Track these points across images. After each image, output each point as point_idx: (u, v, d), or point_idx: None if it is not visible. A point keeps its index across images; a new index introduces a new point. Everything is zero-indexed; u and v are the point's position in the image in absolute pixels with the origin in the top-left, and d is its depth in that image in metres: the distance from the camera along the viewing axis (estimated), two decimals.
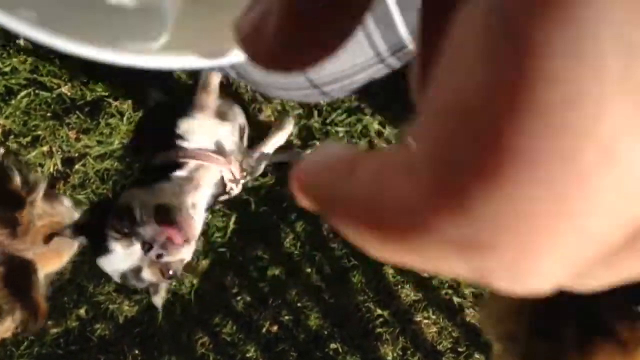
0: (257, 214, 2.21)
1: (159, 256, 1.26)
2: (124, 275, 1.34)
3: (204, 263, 2.24)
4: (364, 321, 2.21)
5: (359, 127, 2.09)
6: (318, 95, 0.84)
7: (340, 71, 0.80)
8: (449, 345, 2.17)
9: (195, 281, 2.24)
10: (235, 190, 1.59)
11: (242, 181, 1.61)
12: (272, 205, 2.20)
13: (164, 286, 1.50)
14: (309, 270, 2.22)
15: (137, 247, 1.26)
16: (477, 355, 2.13)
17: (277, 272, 2.23)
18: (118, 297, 2.30)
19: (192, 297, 2.24)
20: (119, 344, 2.33)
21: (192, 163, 1.42)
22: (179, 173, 1.39)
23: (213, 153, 1.46)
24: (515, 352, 0.77)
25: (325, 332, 2.25)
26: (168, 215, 1.27)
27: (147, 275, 1.34)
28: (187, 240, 1.31)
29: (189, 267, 2.22)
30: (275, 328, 2.27)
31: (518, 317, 0.76)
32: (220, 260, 2.23)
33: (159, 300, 1.53)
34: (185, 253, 1.37)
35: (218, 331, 2.28)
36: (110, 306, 2.30)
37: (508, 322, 0.78)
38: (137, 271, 1.32)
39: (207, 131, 1.49)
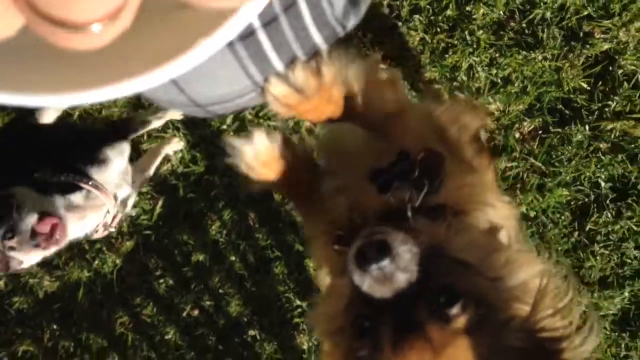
0: (185, 199, 2.25)
1: (11, 248, 1.31)
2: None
3: (128, 244, 2.27)
4: (283, 311, 2.28)
5: (291, 122, 2.14)
6: (203, 112, 0.89)
7: (219, 95, 0.85)
8: None
9: (118, 261, 2.27)
10: (100, 233, 1.65)
11: (111, 229, 1.69)
12: (200, 192, 2.24)
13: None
14: (233, 258, 2.28)
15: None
16: None
17: (201, 257, 2.28)
18: (39, 272, 2.31)
19: (114, 277, 2.27)
20: (37, 318, 2.34)
21: (90, 192, 1.48)
22: (74, 198, 1.46)
23: (110, 194, 1.54)
24: (343, 348, 0.85)
25: (245, 319, 2.32)
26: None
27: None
28: (58, 242, 1.36)
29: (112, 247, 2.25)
30: (196, 312, 2.33)
31: (345, 315, 0.84)
32: (145, 242, 2.27)
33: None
34: (37, 257, 1.41)
35: (138, 312, 2.32)
36: (31, 280, 2.31)
37: (337, 320, 0.86)
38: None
39: (118, 169, 1.57)
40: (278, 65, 0.82)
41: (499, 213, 1.00)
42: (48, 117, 1.90)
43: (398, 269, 0.77)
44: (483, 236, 0.92)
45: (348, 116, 0.93)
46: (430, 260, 0.80)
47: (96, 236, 1.62)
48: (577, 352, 0.79)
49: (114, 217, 1.63)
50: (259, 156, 0.95)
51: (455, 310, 0.77)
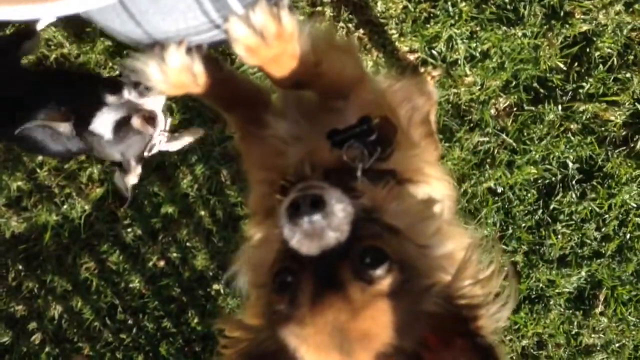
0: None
1: (142, 92, 1.52)
2: (117, 128, 1.53)
3: (98, 191, 2.29)
4: None
5: None
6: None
7: (175, 30, 0.87)
8: None
9: (87, 207, 2.30)
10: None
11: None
12: None
13: (136, 171, 1.65)
14: (202, 212, 2.31)
15: (127, 96, 1.52)
16: None
17: (170, 210, 2.31)
18: (7, 212, 2.33)
19: (82, 223, 2.30)
20: (2, 257, 2.38)
21: None
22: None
23: None
24: (264, 301, 0.88)
25: (210, 273, 2.37)
26: None
27: (136, 123, 1.55)
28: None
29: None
30: (162, 263, 2.37)
31: (269, 269, 0.86)
32: (115, 190, 2.28)
33: (133, 179, 1.66)
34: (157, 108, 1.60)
35: (104, 259, 2.36)
36: None
37: (261, 273, 0.89)
38: (127, 120, 1.53)
39: None
40: (234, 4, 0.84)
41: (439, 189, 1.04)
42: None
43: (329, 226, 0.78)
44: (419, 205, 0.96)
45: (308, 81, 0.95)
46: (362, 223, 0.81)
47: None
48: (492, 320, 0.81)
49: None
50: (169, 76, 0.93)
51: (379, 271, 0.79)
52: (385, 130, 0.96)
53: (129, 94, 1.53)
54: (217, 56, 0.97)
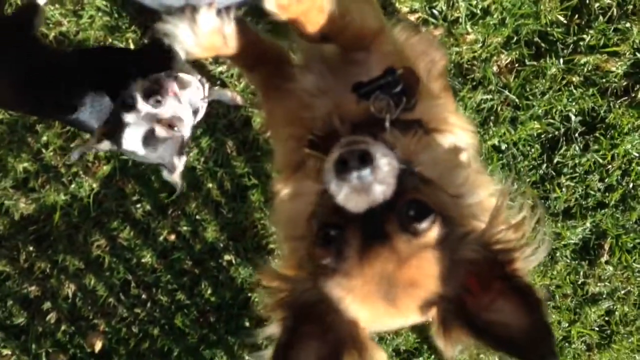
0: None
1: (157, 102, 1.55)
2: (146, 142, 1.59)
3: (105, 169, 2.30)
4: (258, 237, 2.37)
5: None
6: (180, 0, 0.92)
7: None
8: None
9: (95, 185, 2.31)
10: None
11: None
12: None
13: (180, 164, 1.71)
14: (210, 185, 2.33)
15: (144, 109, 1.55)
16: None
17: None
18: (15, 194, 2.34)
19: (91, 201, 2.31)
20: (13, 239, 2.39)
21: None
22: None
23: None
24: (301, 253, 0.90)
25: (221, 245, 2.40)
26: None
27: (161, 132, 1.60)
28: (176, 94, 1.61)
29: None
30: (172, 237, 2.40)
31: (309, 222, 0.89)
32: (122, 167, 2.30)
33: (179, 172, 1.73)
34: (177, 108, 1.63)
35: (115, 235, 2.38)
36: (6, 202, 2.35)
37: (299, 225, 0.91)
38: (152, 132, 1.58)
39: None
40: None
41: (463, 138, 1.06)
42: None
43: (377, 180, 0.78)
44: (447, 154, 0.99)
45: (333, 34, 0.97)
46: (404, 176, 0.83)
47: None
48: (527, 262, 0.85)
49: None
50: (200, 39, 0.96)
51: (425, 224, 0.81)
52: (409, 81, 0.98)
53: (144, 106, 1.55)
54: (243, 17, 0.98)
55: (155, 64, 1.61)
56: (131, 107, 1.53)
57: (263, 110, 1.16)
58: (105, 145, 1.62)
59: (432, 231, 0.82)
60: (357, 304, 0.83)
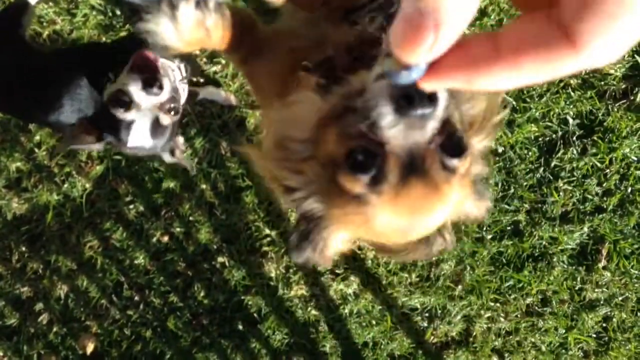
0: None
1: (160, 88, 1.49)
2: (153, 133, 1.55)
3: (98, 169, 2.29)
4: (252, 239, 2.35)
5: None
6: None
7: None
8: (329, 267, 2.34)
9: (87, 185, 2.29)
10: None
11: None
12: None
13: (180, 143, 1.69)
14: (203, 186, 2.31)
15: (145, 102, 1.50)
16: (352, 278, 2.33)
17: (172, 185, 2.31)
18: (7, 194, 2.32)
19: (84, 201, 2.29)
20: (5, 239, 2.38)
21: None
22: None
23: None
24: (304, 155, 0.85)
25: (214, 247, 2.38)
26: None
27: (165, 120, 1.55)
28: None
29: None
30: (165, 238, 2.38)
31: (318, 128, 0.84)
32: (115, 167, 2.28)
33: (181, 150, 1.72)
34: (169, 83, 1.56)
35: (108, 236, 2.36)
36: None
37: (299, 129, 0.86)
38: (157, 121, 1.54)
39: None
40: None
41: None
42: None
43: (433, 118, 0.73)
44: None
45: None
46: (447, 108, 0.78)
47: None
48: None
49: None
50: (183, 34, 0.93)
51: (461, 160, 0.79)
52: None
53: (146, 99, 1.50)
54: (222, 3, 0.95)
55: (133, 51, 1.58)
56: (127, 103, 1.48)
57: (248, 80, 1.12)
58: (100, 146, 1.58)
59: (464, 165, 0.80)
60: (363, 227, 0.82)
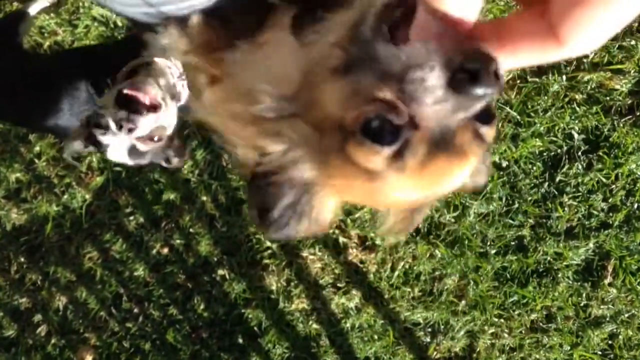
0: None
1: (130, 130, 1.42)
2: (131, 155, 1.50)
3: (98, 180, 2.27)
4: (253, 252, 2.32)
5: None
6: (157, 14, 0.86)
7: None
8: (330, 281, 2.32)
9: (87, 196, 2.27)
10: None
11: None
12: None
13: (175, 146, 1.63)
14: (204, 198, 2.29)
15: (119, 134, 1.44)
16: (354, 292, 2.30)
17: (172, 196, 2.29)
18: (7, 204, 2.31)
19: (84, 212, 2.28)
20: (4, 250, 2.36)
21: None
22: None
23: None
24: (286, 115, 0.69)
25: (215, 259, 2.35)
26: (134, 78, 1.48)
27: (142, 147, 1.50)
28: (153, 107, 1.47)
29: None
30: (165, 250, 2.36)
31: (307, 83, 0.69)
32: (115, 178, 2.27)
33: (180, 158, 1.67)
34: (153, 120, 1.50)
35: (107, 248, 2.34)
36: None
37: (281, 83, 0.70)
38: (134, 149, 1.49)
39: None
40: None
41: None
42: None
43: (490, 98, 0.60)
44: None
45: None
46: None
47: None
48: None
49: None
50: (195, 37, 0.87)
51: (491, 127, 0.67)
52: None
53: (118, 133, 1.44)
54: None
55: (130, 54, 1.55)
56: (104, 128, 1.43)
57: None
58: (79, 145, 1.50)
59: (492, 132, 0.67)
60: (368, 199, 0.72)
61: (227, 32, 0.88)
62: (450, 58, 0.58)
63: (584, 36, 0.35)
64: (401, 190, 0.67)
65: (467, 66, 0.57)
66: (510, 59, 0.38)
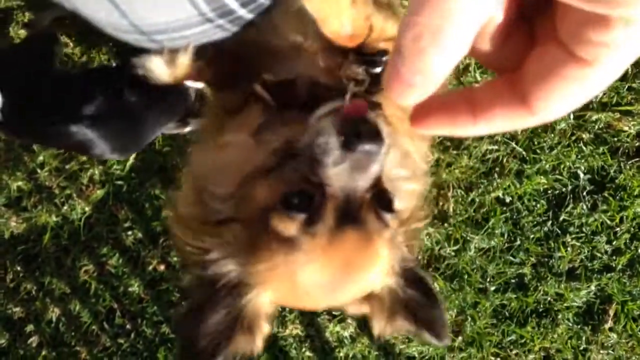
0: (160, 153, 2.22)
1: None
2: None
3: (99, 193, 2.24)
4: None
5: None
6: (148, 42, 0.85)
7: (164, 22, 0.82)
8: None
9: (87, 209, 2.24)
10: None
11: None
12: (176, 146, 2.20)
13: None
14: None
15: None
16: (349, 320, 2.24)
17: (171, 213, 2.24)
18: (6, 212, 2.28)
19: (82, 224, 2.25)
20: (1, 258, 2.33)
21: None
22: None
23: None
24: (222, 215, 0.81)
25: None
26: None
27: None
28: None
29: (82, 194, 2.22)
30: (162, 267, 2.32)
31: (243, 181, 0.80)
32: (116, 192, 2.24)
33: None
34: None
35: (104, 262, 2.30)
36: None
37: (222, 183, 0.82)
38: None
39: None
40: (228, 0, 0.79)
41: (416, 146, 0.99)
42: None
43: (377, 160, 0.72)
44: (404, 145, 0.94)
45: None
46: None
47: None
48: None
49: None
50: (176, 73, 0.93)
51: (392, 215, 0.78)
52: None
53: None
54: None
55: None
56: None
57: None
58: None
59: (394, 223, 0.80)
60: (293, 285, 0.76)
61: (211, 80, 0.94)
62: (342, 126, 0.71)
63: (555, 107, 0.35)
64: (316, 263, 0.73)
65: (356, 130, 0.70)
66: (484, 127, 0.37)
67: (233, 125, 0.88)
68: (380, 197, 0.76)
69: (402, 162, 0.89)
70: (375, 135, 0.70)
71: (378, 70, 0.87)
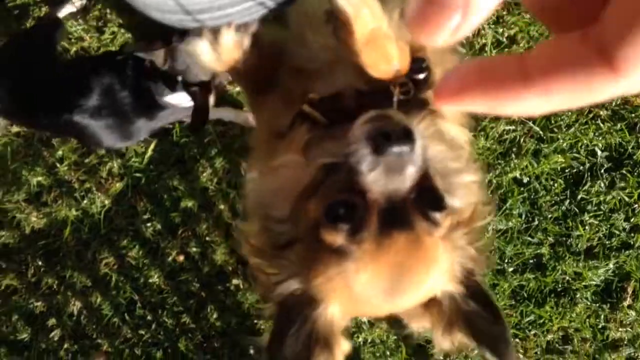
0: (178, 144, 2.22)
1: None
2: None
3: (118, 186, 2.25)
4: None
5: None
6: (192, 21, 0.86)
7: (208, 1, 0.82)
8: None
9: (107, 202, 2.25)
10: None
11: None
12: (194, 138, 2.21)
13: None
14: (222, 206, 2.26)
15: None
16: None
17: (190, 204, 2.26)
18: (27, 207, 2.29)
19: (102, 218, 2.25)
20: (22, 253, 2.33)
21: None
22: None
23: None
24: (283, 238, 0.81)
25: (230, 268, 2.32)
26: None
27: None
28: None
29: (100, 186, 2.22)
30: (181, 258, 2.32)
31: (296, 201, 0.80)
32: (134, 185, 2.25)
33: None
34: None
35: (124, 254, 2.31)
36: (18, 215, 2.29)
37: (278, 206, 0.82)
38: None
39: None
40: None
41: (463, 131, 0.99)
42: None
43: (412, 161, 0.72)
44: (451, 143, 0.92)
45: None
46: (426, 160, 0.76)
47: None
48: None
49: None
50: (222, 56, 0.92)
51: (443, 214, 0.76)
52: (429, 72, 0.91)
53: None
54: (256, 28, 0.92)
55: None
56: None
57: (253, 114, 1.08)
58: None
59: (446, 222, 0.78)
60: (352, 294, 0.76)
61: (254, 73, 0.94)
62: (372, 131, 0.71)
63: None
64: (367, 269, 0.73)
65: (383, 129, 0.70)
66: (544, 102, 0.27)
67: (282, 148, 0.88)
68: (426, 196, 0.75)
69: (451, 155, 0.87)
70: (405, 136, 0.70)
71: (422, 76, 0.86)
